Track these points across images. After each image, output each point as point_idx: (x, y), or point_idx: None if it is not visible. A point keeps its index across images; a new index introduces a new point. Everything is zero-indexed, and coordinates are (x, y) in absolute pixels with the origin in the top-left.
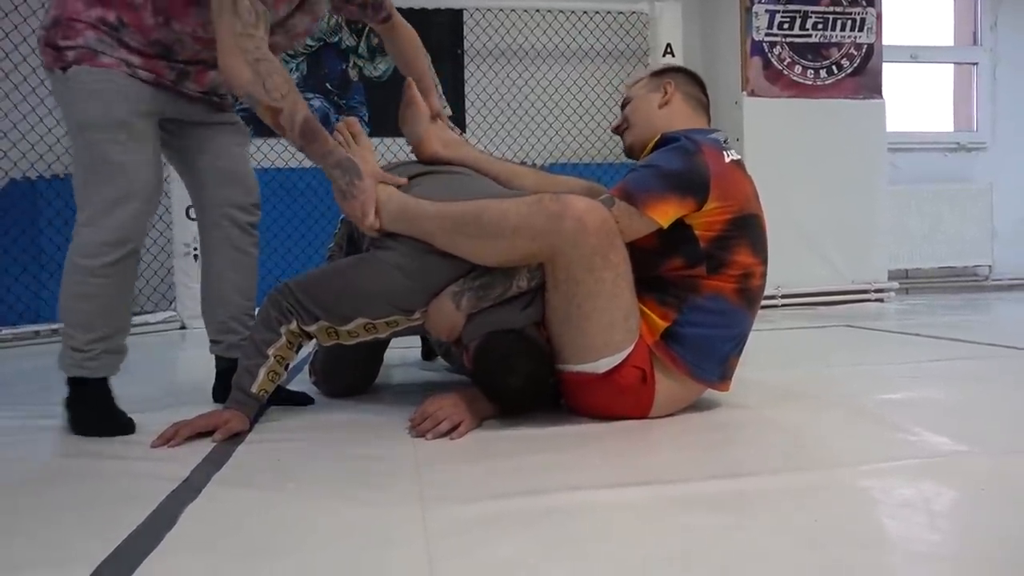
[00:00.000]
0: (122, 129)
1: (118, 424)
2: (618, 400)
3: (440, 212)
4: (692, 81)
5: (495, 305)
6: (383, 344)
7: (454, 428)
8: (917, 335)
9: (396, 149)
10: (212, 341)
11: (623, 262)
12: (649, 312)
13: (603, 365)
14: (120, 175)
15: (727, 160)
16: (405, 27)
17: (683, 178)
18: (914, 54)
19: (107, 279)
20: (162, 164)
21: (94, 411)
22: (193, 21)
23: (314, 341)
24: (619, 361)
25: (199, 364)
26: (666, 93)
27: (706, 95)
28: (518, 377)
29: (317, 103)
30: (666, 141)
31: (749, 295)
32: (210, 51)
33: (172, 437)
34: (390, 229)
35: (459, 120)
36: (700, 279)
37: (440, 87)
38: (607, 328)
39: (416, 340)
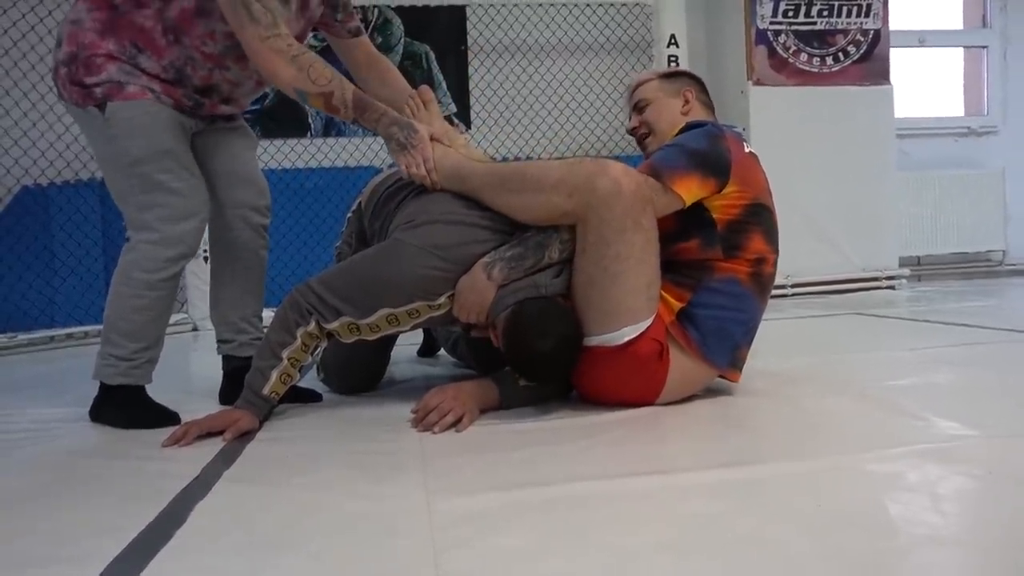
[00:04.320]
0: (170, 157)
1: (164, 415)
2: (632, 377)
3: (489, 170)
4: (702, 88)
5: (523, 277)
6: (391, 341)
7: (458, 420)
8: (927, 321)
9: None
10: (220, 341)
11: (653, 229)
12: (665, 293)
13: (624, 335)
14: (176, 197)
15: (746, 151)
16: (384, 57)
17: (707, 158)
18: (922, 38)
19: (163, 291)
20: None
21: (140, 407)
22: (201, 32)
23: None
24: (639, 332)
25: (211, 366)
26: (687, 101)
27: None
28: (549, 340)
29: None
30: (691, 127)
31: (761, 281)
32: (221, 72)
33: (182, 437)
34: (444, 185)
35: (464, 116)
36: (715, 262)
37: (445, 84)
38: (631, 294)
39: (416, 336)
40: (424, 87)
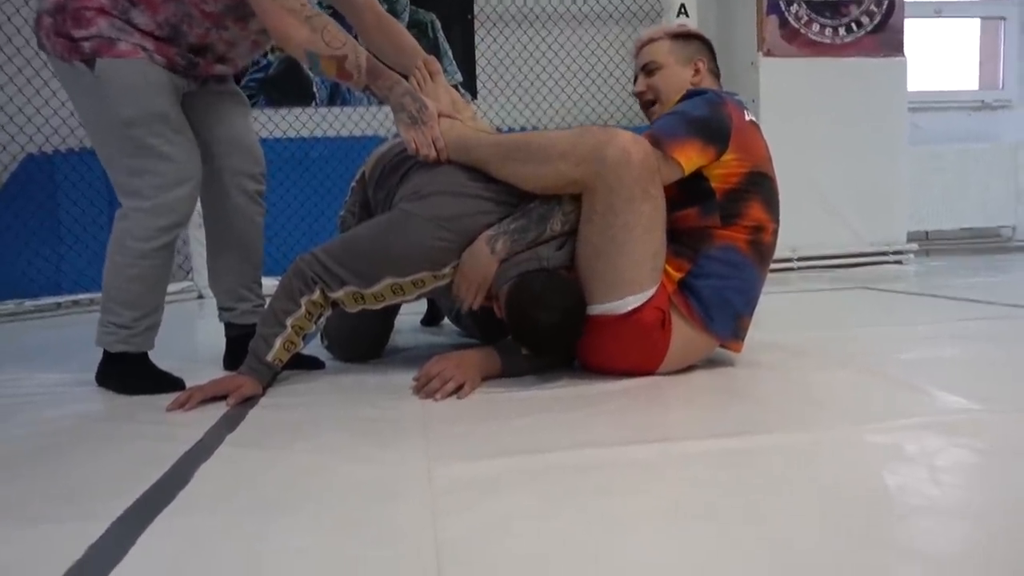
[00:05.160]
0: (164, 121)
1: (168, 381)
2: (635, 345)
3: (495, 141)
4: (712, 55)
5: (526, 250)
6: (395, 310)
7: (459, 388)
8: (935, 296)
9: None
10: (222, 309)
11: (661, 198)
12: (665, 264)
13: (628, 304)
14: (168, 163)
15: (747, 119)
16: (392, 17)
17: (708, 125)
18: (938, 9)
19: (157, 260)
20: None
21: (143, 375)
22: None
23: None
24: (643, 301)
25: (215, 333)
26: (698, 72)
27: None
28: (553, 313)
29: None
30: (692, 94)
31: (760, 249)
32: (218, 31)
33: (186, 401)
34: (451, 158)
35: (470, 86)
36: (713, 229)
37: (450, 53)
38: (637, 263)
39: (420, 306)
40: (431, 58)
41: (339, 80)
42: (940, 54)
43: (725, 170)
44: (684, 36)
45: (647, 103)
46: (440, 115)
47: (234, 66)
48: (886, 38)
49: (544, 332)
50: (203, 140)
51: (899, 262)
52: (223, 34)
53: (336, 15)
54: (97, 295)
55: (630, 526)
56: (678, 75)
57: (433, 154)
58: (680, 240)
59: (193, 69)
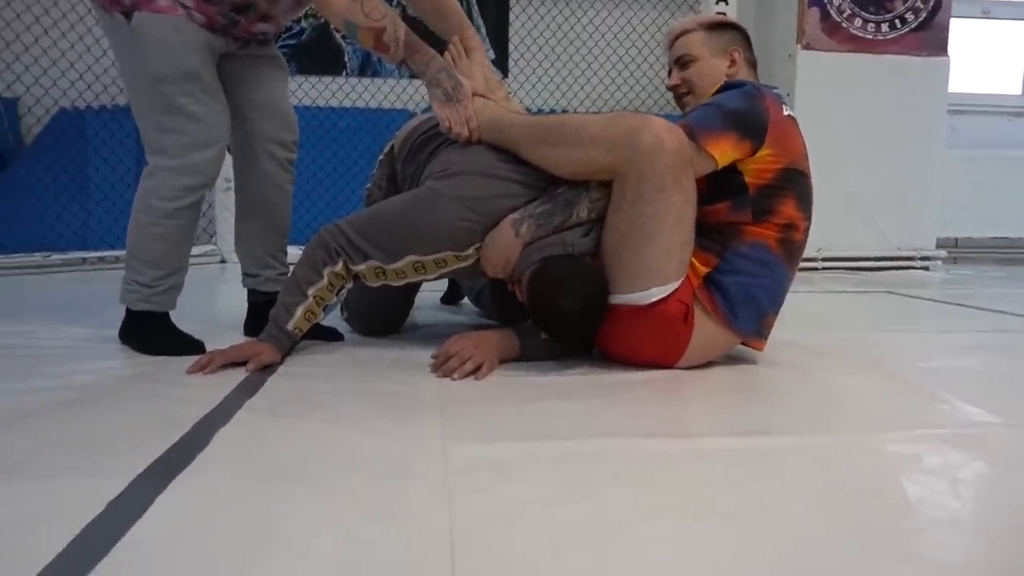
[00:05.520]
0: (194, 81)
1: (189, 343)
2: (656, 337)
3: (528, 122)
4: (748, 45)
5: (551, 235)
6: (416, 286)
7: (477, 368)
8: (961, 305)
9: None
10: (246, 275)
11: (692, 189)
12: (691, 257)
13: (652, 295)
14: (196, 123)
15: (784, 113)
16: None
17: (744, 118)
18: (986, 9)
19: (181, 220)
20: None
21: (164, 335)
22: None
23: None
24: (667, 293)
25: (237, 298)
26: (733, 63)
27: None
28: (575, 299)
29: None
30: (729, 86)
31: (790, 247)
32: None
33: (207, 365)
34: (484, 138)
35: (501, 64)
36: (744, 225)
37: (484, 28)
38: (664, 254)
39: (441, 283)
40: (469, 32)
41: (376, 52)
42: (985, 56)
43: (760, 165)
44: (718, 26)
45: (681, 96)
46: (474, 94)
47: (276, 24)
48: (930, 36)
49: (565, 318)
50: (238, 103)
51: (926, 268)
52: None
53: None
54: (122, 252)
55: (644, 519)
56: (713, 67)
57: (466, 133)
58: (708, 234)
59: (233, 28)
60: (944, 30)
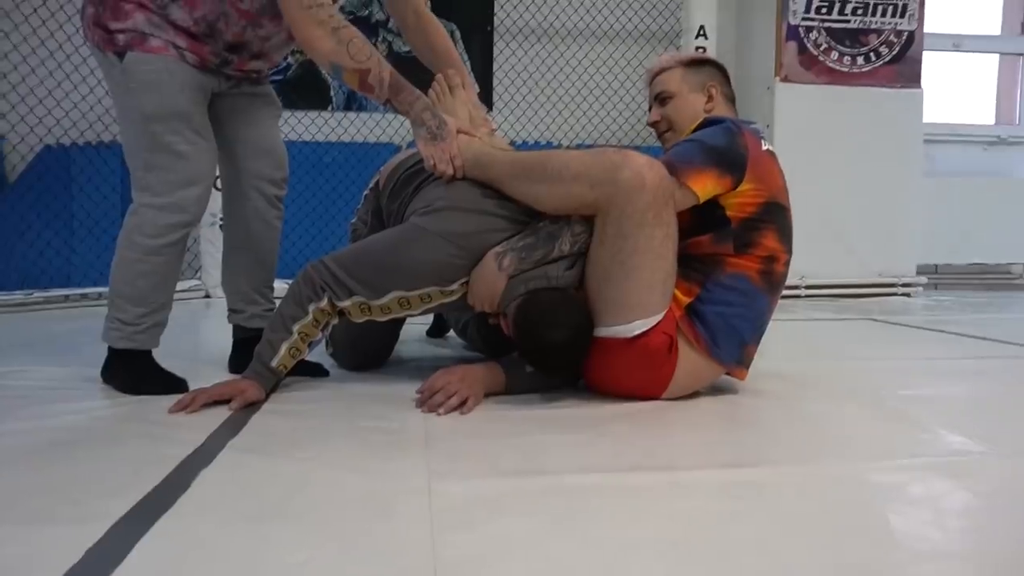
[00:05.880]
0: (184, 120)
1: (172, 381)
2: (641, 369)
3: (511, 159)
4: (726, 80)
5: (534, 268)
6: (401, 320)
7: (463, 403)
8: (942, 332)
9: None
10: (231, 310)
11: (673, 223)
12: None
13: (635, 328)
14: (183, 162)
15: (763, 148)
16: (434, 18)
17: (724, 155)
18: (957, 43)
19: (165, 257)
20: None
21: (146, 374)
22: None
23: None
24: (651, 326)
25: (221, 333)
26: (711, 98)
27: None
28: (562, 331)
29: None
30: (709, 122)
31: (771, 279)
32: (254, 29)
33: (189, 403)
34: (468, 174)
35: (486, 98)
36: (726, 257)
37: (468, 64)
38: (647, 288)
39: (426, 316)
40: (451, 70)
41: (361, 92)
42: (957, 88)
43: (741, 199)
44: (696, 63)
45: (662, 132)
46: (458, 131)
47: (270, 61)
48: (904, 69)
49: (551, 350)
50: (229, 141)
51: (907, 295)
52: (259, 31)
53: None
54: (106, 290)
55: (631, 556)
56: (692, 103)
57: (450, 171)
58: (691, 265)
59: (227, 66)
60: (917, 63)
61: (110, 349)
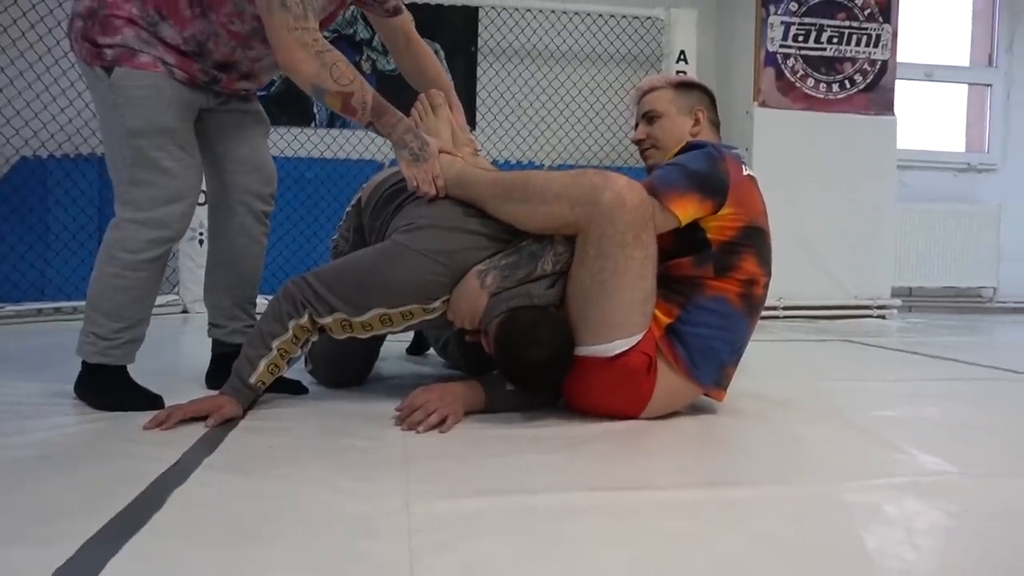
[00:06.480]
0: (169, 136)
1: (146, 397)
2: (620, 389)
3: (493, 179)
4: (713, 106)
5: (516, 286)
6: (381, 337)
7: (443, 421)
8: (916, 353)
9: None
10: (212, 325)
11: (653, 245)
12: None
13: (615, 347)
14: (167, 178)
15: (744, 173)
16: (423, 43)
17: (706, 180)
18: (928, 72)
19: (145, 273)
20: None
21: (120, 390)
22: (229, 10)
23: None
24: (630, 345)
25: (199, 349)
26: (698, 122)
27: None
28: (543, 349)
29: None
30: (692, 147)
31: (751, 302)
32: (244, 50)
33: (165, 420)
34: (450, 194)
35: (470, 119)
36: (706, 279)
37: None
38: (627, 308)
39: (407, 334)
40: (433, 91)
41: (343, 114)
42: (928, 115)
43: (721, 223)
44: (686, 85)
45: (645, 150)
46: (440, 151)
47: (258, 82)
48: (877, 97)
49: (532, 368)
50: (218, 156)
51: (882, 316)
52: (248, 53)
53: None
54: (80, 303)
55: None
56: (678, 125)
57: (433, 191)
58: (672, 287)
59: (215, 84)
60: (890, 91)
61: (84, 364)
